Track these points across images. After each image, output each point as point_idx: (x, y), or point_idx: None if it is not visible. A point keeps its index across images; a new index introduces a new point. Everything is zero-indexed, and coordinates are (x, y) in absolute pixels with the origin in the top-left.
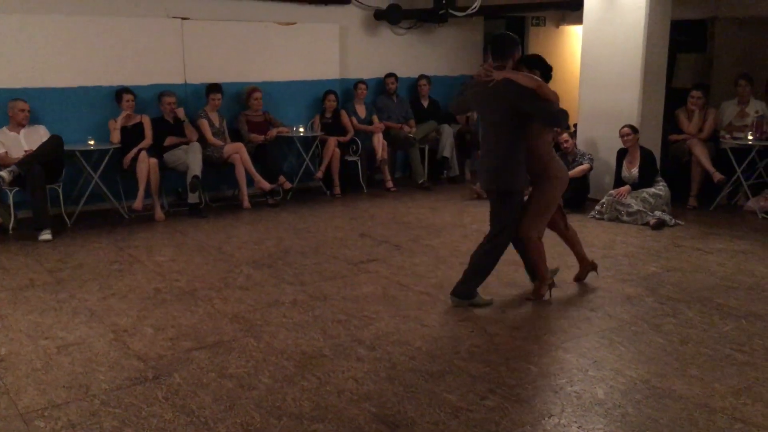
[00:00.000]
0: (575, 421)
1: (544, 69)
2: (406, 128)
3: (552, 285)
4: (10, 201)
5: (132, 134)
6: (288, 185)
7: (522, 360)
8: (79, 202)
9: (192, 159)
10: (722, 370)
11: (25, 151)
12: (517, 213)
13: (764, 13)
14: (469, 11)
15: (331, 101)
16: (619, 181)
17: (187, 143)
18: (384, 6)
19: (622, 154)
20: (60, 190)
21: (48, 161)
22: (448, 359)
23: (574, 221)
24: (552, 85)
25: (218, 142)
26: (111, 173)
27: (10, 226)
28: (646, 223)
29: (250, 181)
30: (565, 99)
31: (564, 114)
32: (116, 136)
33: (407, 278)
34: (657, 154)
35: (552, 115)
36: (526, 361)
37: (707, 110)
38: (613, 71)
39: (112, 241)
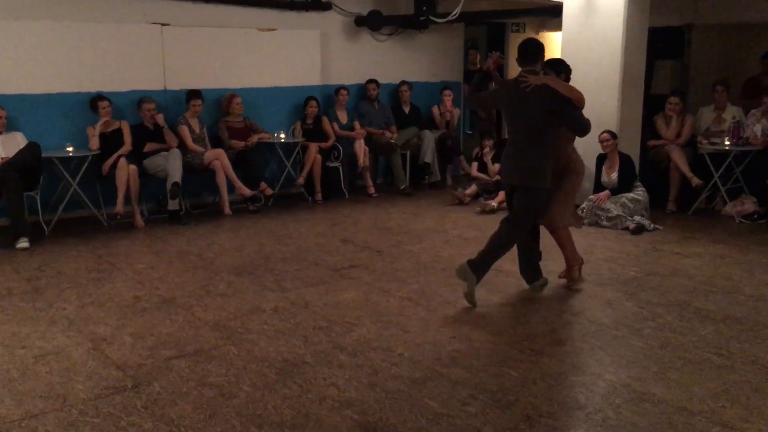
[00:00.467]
0: (556, 426)
1: (567, 72)
2: (388, 134)
3: (581, 264)
4: None
5: (111, 141)
6: (269, 191)
7: (503, 365)
8: (58, 209)
9: (172, 165)
10: (701, 373)
11: (2, 158)
12: (542, 207)
13: (740, 19)
14: (449, 18)
15: (312, 107)
16: (598, 187)
17: (167, 150)
18: (365, 12)
19: (601, 160)
20: (38, 198)
21: (25, 168)
22: (429, 365)
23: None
24: None
25: (198, 149)
26: (90, 180)
27: None
28: (626, 228)
29: (231, 188)
30: None
31: (589, 123)
32: (95, 143)
33: (389, 284)
34: (636, 160)
35: (582, 124)
36: (507, 366)
37: (685, 116)
38: (592, 77)
39: (91, 248)
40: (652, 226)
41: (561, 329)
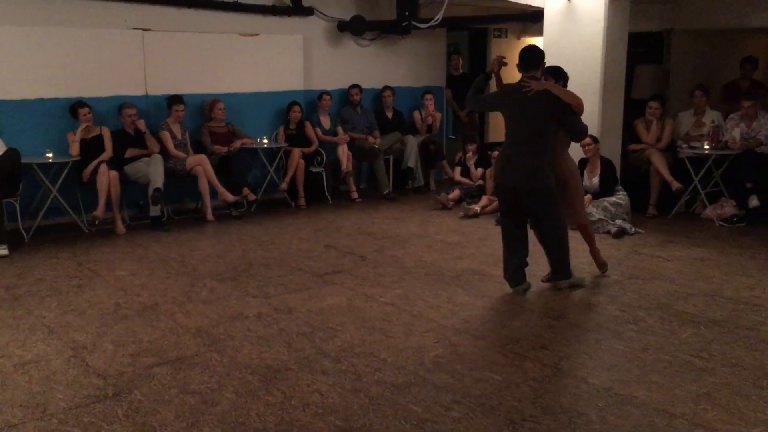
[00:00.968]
0: (539, 430)
1: (565, 79)
2: (371, 139)
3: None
4: None
5: (92, 147)
6: (252, 197)
7: (486, 370)
8: (37, 216)
9: (154, 171)
10: (682, 376)
11: None
12: (556, 200)
13: (718, 25)
14: (432, 23)
15: (295, 112)
16: None
17: (148, 155)
18: (347, 17)
19: (583, 164)
20: (17, 204)
21: (4, 175)
22: (413, 370)
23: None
24: None
25: (180, 154)
26: (70, 186)
27: None
28: (607, 232)
29: (214, 194)
30: None
31: (586, 128)
32: (75, 149)
33: (372, 289)
34: (617, 164)
35: (581, 129)
36: (490, 370)
37: (665, 120)
38: (573, 82)
39: (72, 255)
40: (633, 229)
41: (544, 333)
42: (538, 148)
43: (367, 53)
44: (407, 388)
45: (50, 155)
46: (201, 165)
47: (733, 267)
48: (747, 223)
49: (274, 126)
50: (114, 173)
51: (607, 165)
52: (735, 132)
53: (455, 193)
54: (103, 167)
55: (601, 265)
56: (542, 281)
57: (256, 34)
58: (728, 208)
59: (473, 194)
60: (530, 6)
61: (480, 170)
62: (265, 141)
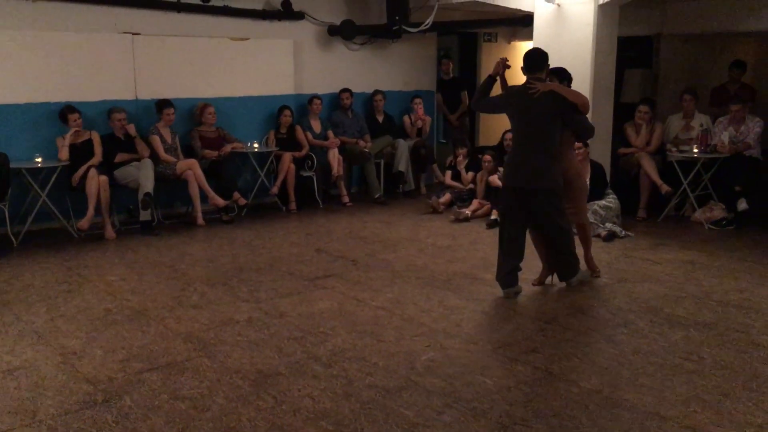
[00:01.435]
0: None
1: (569, 80)
2: (362, 143)
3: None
4: None
5: (81, 151)
6: (243, 201)
7: (477, 373)
8: (26, 221)
9: (144, 176)
10: (672, 379)
11: None
12: (562, 203)
13: (707, 29)
14: (422, 27)
15: (286, 116)
16: None
17: (138, 160)
18: (338, 22)
19: None
20: (6, 209)
21: None
22: (404, 374)
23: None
24: None
25: (171, 159)
26: (59, 191)
27: None
28: (598, 235)
29: (204, 198)
30: None
31: (593, 128)
32: (64, 154)
33: (363, 293)
34: (607, 168)
35: (587, 128)
36: (481, 374)
37: (654, 124)
38: None
39: (61, 260)
40: (623, 233)
41: (534, 337)
42: (546, 149)
43: (358, 57)
44: (398, 392)
45: (39, 160)
46: (191, 169)
47: (722, 270)
48: (736, 226)
49: (264, 130)
50: (104, 178)
51: (597, 168)
52: (724, 135)
53: (446, 196)
54: (93, 172)
55: (594, 270)
56: (533, 284)
57: (247, 39)
58: (717, 211)
59: (464, 198)
60: (520, 10)
61: (471, 174)
62: (256, 145)
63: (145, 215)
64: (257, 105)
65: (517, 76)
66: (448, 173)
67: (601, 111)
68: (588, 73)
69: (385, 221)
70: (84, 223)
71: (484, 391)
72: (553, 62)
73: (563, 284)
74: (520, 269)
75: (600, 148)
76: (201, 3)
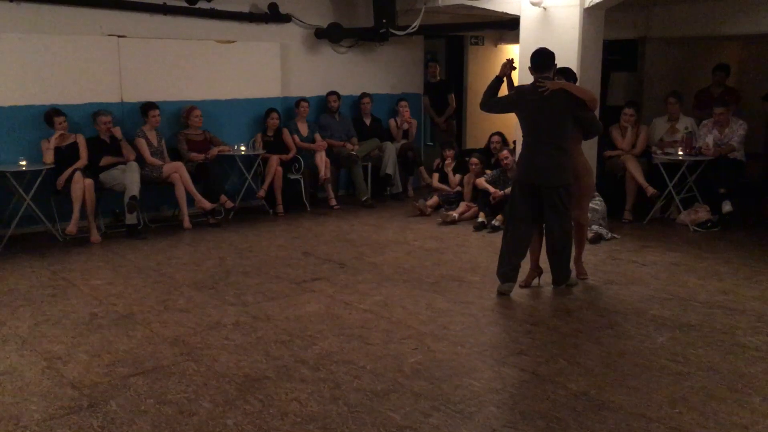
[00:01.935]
0: None
1: (575, 79)
2: (349, 146)
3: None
4: None
5: (66, 154)
6: (230, 204)
7: (465, 376)
8: (10, 225)
9: (130, 179)
10: (658, 380)
11: None
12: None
13: (691, 33)
14: (409, 30)
15: (273, 119)
16: None
17: (124, 163)
18: (325, 24)
19: None
20: None
21: None
22: (391, 377)
23: None
24: None
25: (157, 162)
26: (44, 195)
27: None
28: None
29: (191, 201)
30: (503, 116)
31: (601, 125)
32: (49, 157)
33: (351, 296)
34: (593, 170)
35: (596, 124)
36: (468, 377)
37: (639, 127)
38: None
39: (46, 265)
40: (609, 235)
41: (521, 338)
42: (559, 145)
43: (345, 60)
44: (386, 395)
45: (24, 163)
46: (178, 172)
47: (707, 272)
48: (720, 228)
49: (251, 133)
50: (89, 181)
51: None
52: (708, 138)
53: (433, 199)
54: (78, 175)
55: (581, 273)
56: (520, 286)
57: (233, 41)
58: (702, 213)
59: (451, 201)
60: (506, 14)
61: (458, 177)
62: (243, 148)
63: (131, 219)
64: (244, 108)
65: (519, 77)
66: (436, 176)
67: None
68: None
69: (372, 224)
70: (72, 227)
71: (471, 393)
72: None
73: (550, 286)
74: (519, 267)
75: (586, 151)
76: (187, 5)
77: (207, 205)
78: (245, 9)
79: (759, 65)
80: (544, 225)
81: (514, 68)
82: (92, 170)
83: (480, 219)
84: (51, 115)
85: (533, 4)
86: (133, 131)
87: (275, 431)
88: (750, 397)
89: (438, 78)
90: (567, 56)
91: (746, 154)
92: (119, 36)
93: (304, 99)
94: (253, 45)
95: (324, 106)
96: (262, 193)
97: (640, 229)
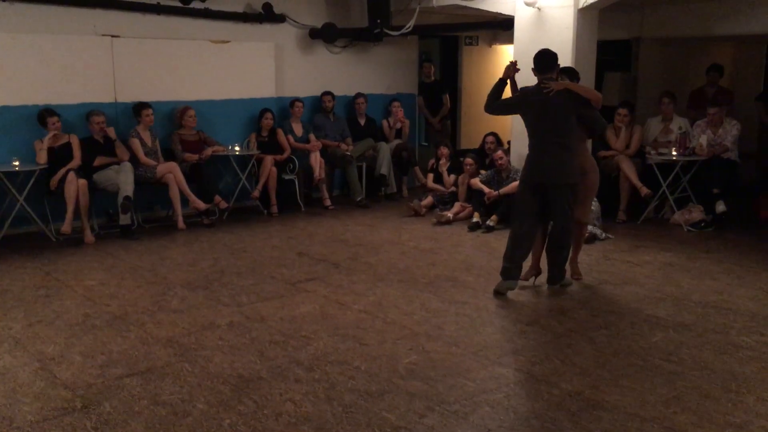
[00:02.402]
0: None
1: (578, 78)
2: (343, 146)
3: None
4: None
5: (60, 155)
6: (224, 205)
7: (459, 376)
8: (3, 225)
9: (123, 179)
10: (652, 380)
11: None
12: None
13: (685, 33)
14: (403, 30)
15: (267, 119)
16: None
17: (117, 163)
18: (319, 25)
19: None
20: None
21: None
22: (386, 378)
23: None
24: None
25: (151, 162)
26: (37, 195)
27: None
28: None
29: (185, 201)
30: (498, 117)
31: (606, 123)
32: (43, 157)
33: (345, 297)
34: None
35: (601, 123)
36: (463, 377)
37: (633, 127)
38: None
39: (39, 265)
40: (603, 235)
41: (516, 339)
42: (566, 144)
43: (339, 60)
44: (381, 395)
45: (17, 163)
46: (172, 173)
47: (701, 271)
48: (714, 228)
49: (245, 133)
50: (82, 181)
51: None
52: (702, 138)
53: (428, 199)
54: (72, 176)
55: (576, 274)
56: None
57: (227, 41)
58: (696, 213)
59: (446, 201)
60: (501, 14)
61: (453, 177)
62: (237, 148)
63: (124, 219)
64: (238, 108)
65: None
66: (430, 176)
67: None
68: None
69: (367, 224)
70: (66, 227)
71: (465, 393)
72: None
73: (545, 286)
74: (522, 265)
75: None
76: (181, 5)
77: (201, 205)
78: (239, 9)
79: (752, 66)
80: (547, 224)
81: (518, 70)
82: (86, 170)
83: (474, 219)
84: (44, 115)
85: (527, 4)
86: (127, 131)
87: None
88: (744, 396)
89: (432, 78)
90: (561, 56)
91: (740, 154)
92: (113, 36)
93: (298, 99)
94: (248, 45)
95: (318, 106)
96: (256, 193)
97: (634, 229)
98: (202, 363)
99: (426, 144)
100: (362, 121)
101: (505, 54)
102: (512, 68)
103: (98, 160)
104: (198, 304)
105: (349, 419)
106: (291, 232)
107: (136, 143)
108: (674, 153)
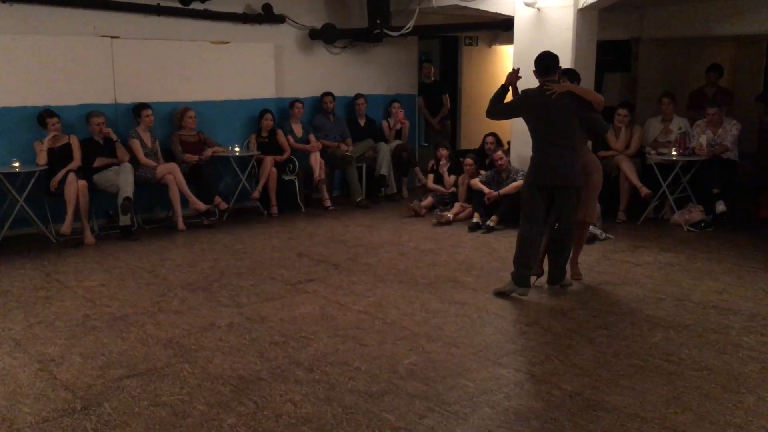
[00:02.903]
0: None
1: (579, 80)
2: (343, 147)
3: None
4: None
5: (59, 156)
6: (224, 205)
7: (459, 377)
8: (3, 226)
9: (123, 180)
10: (652, 380)
11: None
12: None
13: (684, 34)
14: (403, 31)
15: (267, 120)
16: None
17: (117, 164)
18: (319, 25)
19: None
20: None
21: None
22: (386, 378)
23: (510, 236)
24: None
25: (151, 163)
26: (37, 196)
27: None
28: None
29: (185, 202)
30: None
31: (607, 125)
32: (43, 158)
33: (345, 297)
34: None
35: (603, 125)
36: (463, 377)
37: (633, 127)
38: None
39: (39, 266)
40: (603, 235)
41: (516, 339)
42: (570, 146)
43: (339, 61)
44: (381, 396)
45: (17, 164)
46: (172, 173)
47: (701, 271)
48: (714, 228)
49: (245, 134)
50: (82, 182)
51: None
52: (702, 138)
53: (428, 200)
54: (71, 177)
55: (576, 275)
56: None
57: (227, 42)
58: (696, 213)
59: (446, 201)
60: (501, 15)
61: (453, 177)
62: (237, 149)
63: (124, 220)
64: (238, 109)
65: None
66: (430, 177)
67: None
68: None
69: (367, 225)
70: (66, 228)
71: (466, 394)
72: (533, 66)
73: (544, 287)
74: (531, 267)
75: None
76: (181, 6)
77: (201, 206)
78: (239, 10)
79: (752, 66)
80: (548, 225)
81: (520, 78)
82: (86, 171)
83: (474, 220)
84: (44, 116)
85: (527, 4)
86: (127, 132)
87: None
88: (744, 396)
89: (432, 79)
90: (561, 57)
91: (739, 154)
92: (112, 37)
93: (298, 100)
94: (247, 46)
95: (318, 107)
96: (256, 194)
97: (634, 229)
98: (202, 364)
99: (426, 144)
100: (362, 122)
101: (505, 54)
102: (514, 75)
103: (98, 161)
104: (198, 305)
105: (349, 420)
106: (291, 233)
107: (136, 144)
108: (674, 153)
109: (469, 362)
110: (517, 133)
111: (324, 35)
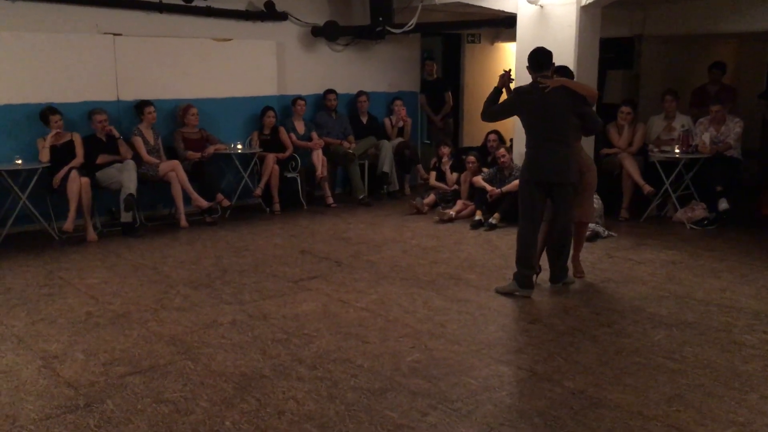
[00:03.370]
0: None
1: (572, 77)
2: (346, 144)
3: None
4: None
5: (62, 153)
6: (226, 203)
7: (462, 374)
8: (6, 223)
9: (127, 177)
10: (655, 378)
11: None
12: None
13: (687, 31)
14: (405, 28)
15: (270, 117)
16: None
17: (120, 161)
18: (321, 23)
19: None
20: None
21: None
22: (389, 376)
23: (512, 233)
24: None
25: (153, 160)
26: (40, 193)
27: None
28: None
29: (188, 200)
30: None
31: (601, 121)
32: (45, 155)
33: (348, 295)
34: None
35: (597, 120)
36: (466, 375)
37: (636, 125)
38: None
39: (42, 263)
40: (606, 233)
41: (519, 337)
42: (566, 142)
43: (341, 58)
44: (383, 393)
45: (20, 161)
46: (174, 171)
47: (703, 269)
48: (717, 226)
49: (248, 131)
50: (85, 180)
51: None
52: (705, 136)
53: (430, 197)
54: (74, 174)
55: (578, 272)
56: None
57: (230, 39)
58: (699, 211)
59: (448, 199)
60: (503, 12)
61: (455, 175)
62: (239, 146)
63: (127, 217)
64: (240, 106)
65: (517, 78)
66: (433, 174)
67: None
68: None
69: (369, 222)
70: (68, 225)
71: (468, 392)
72: None
73: (547, 285)
74: (533, 265)
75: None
76: (183, 3)
77: (203, 203)
78: (241, 7)
79: (755, 63)
80: (546, 222)
81: (512, 80)
82: (88, 169)
83: (477, 217)
84: (47, 113)
85: (530, 2)
86: (130, 130)
87: (272, 430)
88: (747, 394)
89: (435, 76)
90: (564, 54)
91: (743, 151)
92: (115, 34)
93: (300, 97)
94: (250, 43)
95: (320, 104)
96: (258, 191)
97: (636, 227)
98: (205, 361)
99: (428, 142)
100: (364, 119)
101: (507, 52)
102: (507, 77)
103: (101, 158)
104: (200, 302)
105: (351, 417)
106: (293, 230)
107: (138, 141)
108: (677, 151)
109: (472, 360)
110: (519, 130)
111: (326, 32)
